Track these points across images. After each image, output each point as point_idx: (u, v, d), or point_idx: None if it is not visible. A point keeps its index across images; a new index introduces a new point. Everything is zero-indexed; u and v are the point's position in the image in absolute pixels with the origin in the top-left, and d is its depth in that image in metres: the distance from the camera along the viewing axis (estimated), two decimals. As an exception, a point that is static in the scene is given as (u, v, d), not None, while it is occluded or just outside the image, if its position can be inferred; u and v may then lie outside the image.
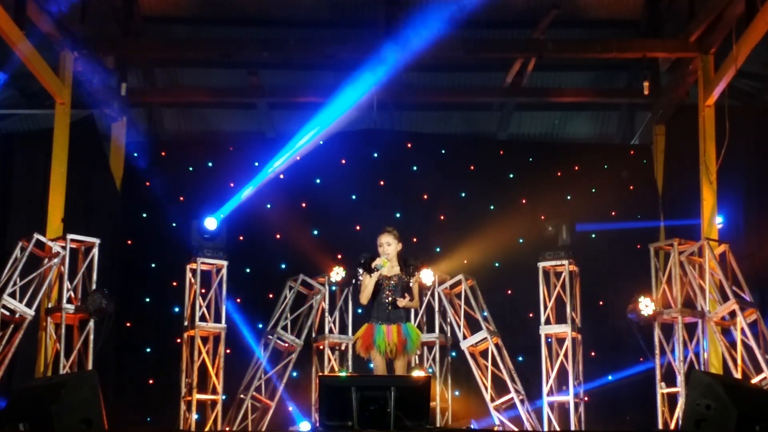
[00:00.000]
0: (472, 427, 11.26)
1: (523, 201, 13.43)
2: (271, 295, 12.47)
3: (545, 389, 11.44)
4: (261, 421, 11.49)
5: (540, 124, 14.83)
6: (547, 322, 11.59)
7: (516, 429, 11.27)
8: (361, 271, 8.71)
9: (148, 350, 12.80)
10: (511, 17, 13.29)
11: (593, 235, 13.08)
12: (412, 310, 10.75)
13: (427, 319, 11.78)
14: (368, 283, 8.63)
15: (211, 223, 11.61)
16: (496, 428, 11.25)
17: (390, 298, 8.63)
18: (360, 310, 11.76)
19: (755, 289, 11.42)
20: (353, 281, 11.60)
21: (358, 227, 13.18)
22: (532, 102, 14.26)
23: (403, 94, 14.09)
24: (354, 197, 13.43)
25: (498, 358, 11.41)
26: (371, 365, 8.90)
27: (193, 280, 11.51)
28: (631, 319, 11.19)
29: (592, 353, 12.47)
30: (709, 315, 10.92)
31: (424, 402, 7.41)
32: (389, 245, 8.70)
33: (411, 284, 8.75)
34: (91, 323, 10.95)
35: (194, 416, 11.27)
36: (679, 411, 10.75)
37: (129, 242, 13.16)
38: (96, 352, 10.95)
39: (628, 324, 11.28)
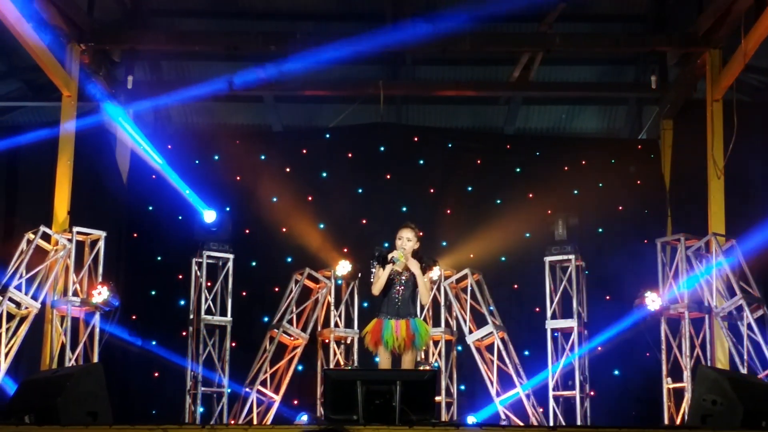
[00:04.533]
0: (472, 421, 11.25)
1: (530, 195, 13.39)
2: (276, 289, 12.47)
3: (551, 384, 11.43)
4: (266, 415, 11.49)
5: (547, 118, 14.79)
6: (554, 316, 11.59)
7: (521, 423, 11.26)
8: (374, 263, 8.67)
9: (154, 343, 12.80)
10: (518, 11, 13.22)
11: (600, 230, 13.05)
12: (419, 306, 10.82)
13: (432, 313, 11.77)
14: (382, 274, 8.58)
15: (209, 216, 11.63)
16: (501, 423, 11.24)
17: (400, 294, 8.59)
18: (366, 304, 11.76)
19: (761, 284, 11.39)
20: (359, 274, 11.61)
21: (364, 221, 13.17)
22: (540, 96, 14.22)
23: (410, 87, 14.09)
24: (360, 191, 13.42)
25: (504, 353, 11.40)
26: (377, 359, 8.89)
27: (198, 274, 11.52)
28: (637, 314, 11.18)
29: (599, 348, 12.45)
30: (715, 310, 10.90)
31: (429, 396, 7.41)
32: (408, 240, 8.64)
33: (425, 277, 8.70)
34: (97, 316, 10.97)
35: (200, 409, 11.29)
36: (685, 406, 10.75)
37: (135, 235, 13.15)
38: (102, 344, 10.97)
39: (634, 319, 11.26)
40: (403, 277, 8.62)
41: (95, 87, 11.98)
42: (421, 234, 8.69)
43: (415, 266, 8.56)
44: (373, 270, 8.70)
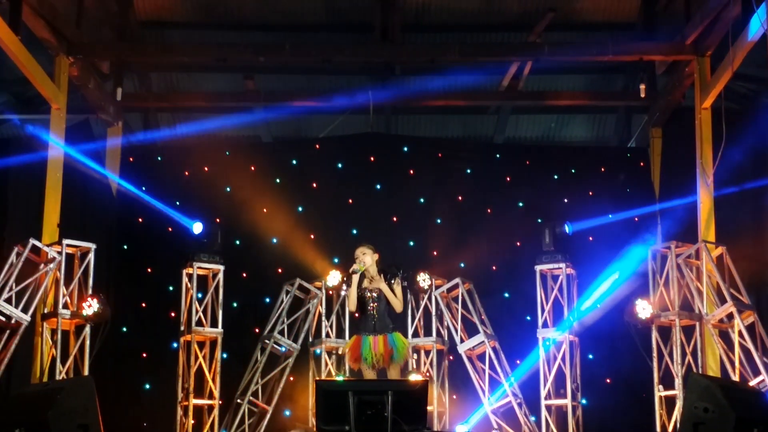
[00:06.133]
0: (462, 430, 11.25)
1: (520, 204, 13.41)
2: (267, 300, 12.46)
3: (543, 393, 11.42)
4: (258, 426, 11.46)
5: (537, 127, 14.82)
6: (545, 325, 11.58)
7: (513, 433, 11.27)
8: (345, 286, 9.51)
9: (145, 355, 12.76)
10: (507, 20, 13.30)
11: (590, 238, 13.06)
12: (409, 321, 11.17)
13: (424, 323, 11.76)
14: (351, 291, 9.23)
15: (197, 228, 11.63)
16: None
17: (375, 311, 9.18)
18: (357, 315, 11.75)
19: (752, 291, 11.40)
20: (345, 286, 11.60)
21: (354, 231, 13.16)
22: (529, 105, 14.25)
23: (400, 97, 14.09)
24: (350, 201, 13.42)
25: (495, 362, 11.39)
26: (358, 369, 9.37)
27: (189, 285, 11.49)
28: (628, 322, 11.18)
29: (590, 356, 12.45)
30: (706, 317, 10.91)
31: (421, 406, 7.40)
32: (364, 254, 9.32)
33: (393, 286, 9.25)
34: (87, 329, 10.93)
35: (191, 421, 11.25)
36: (677, 414, 10.74)
37: (125, 247, 13.13)
38: (92, 357, 10.93)
39: (625, 327, 11.27)
40: (375, 293, 9.22)
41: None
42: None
43: (380, 282, 9.19)
44: (346, 290, 9.58)
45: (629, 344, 11.46)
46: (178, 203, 12.78)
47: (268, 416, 11.53)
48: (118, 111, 13.34)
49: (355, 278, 9.23)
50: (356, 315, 9.75)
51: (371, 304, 9.22)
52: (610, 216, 13.25)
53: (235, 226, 12.85)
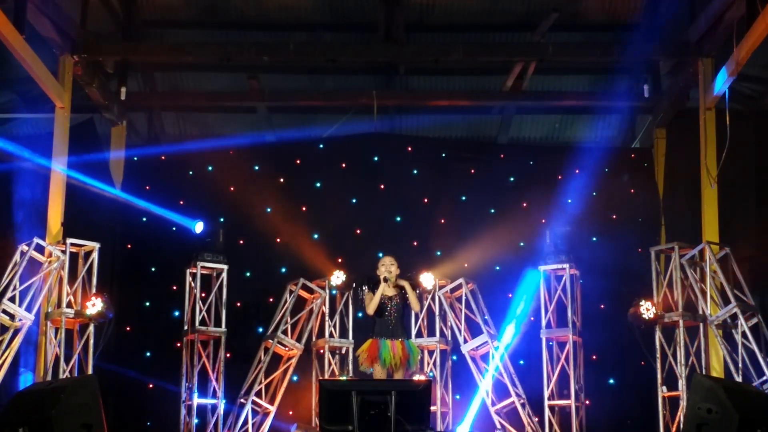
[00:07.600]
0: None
1: (524, 205, 13.40)
2: (271, 299, 12.46)
3: (546, 393, 11.42)
4: (261, 426, 11.47)
5: (540, 127, 14.80)
6: (548, 325, 11.58)
7: (517, 433, 11.27)
8: (364, 287, 10.05)
9: (148, 354, 12.77)
10: (511, 21, 13.28)
11: (594, 239, 13.06)
12: (413, 322, 11.38)
13: (427, 323, 11.76)
14: (375, 295, 9.89)
15: (199, 227, 11.65)
16: (496, 432, 11.26)
17: (392, 317, 9.86)
18: (360, 315, 11.74)
19: (756, 292, 11.40)
20: (354, 284, 11.59)
21: (358, 231, 13.17)
22: (533, 105, 14.22)
23: (404, 97, 14.09)
24: (354, 201, 13.42)
25: (499, 363, 11.39)
26: (371, 369, 9.84)
27: (193, 284, 11.50)
28: (632, 322, 11.18)
29: (593, 357, 12.45)
30: (710, 318, 10.91)
31: (424, 406, 7.41)
32: (392, 264, 10.02)
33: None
34: (91, 328, 10.95)
35: (194, 421, 11.26)
36: (680, 415, 10.74)
37: (129, 246, 13.14)
38: (96, 356, 10.94)
39: (629, 328, 11.27)
40: (394, 302, 9.92)
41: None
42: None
43: (404, 282, 10.07)
44: (363, 294, 10.09)
45: (633, 345, 11.46)
46: (182, 202, 12.77)
47: (271, 416, 11.52)
48: (122, 110, 13.35)
49: (383, 286, 9.86)
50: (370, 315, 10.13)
51: (389, 310, 9.87)
52: (614, 216, 13.25)
53: (239, 226, 12.86)
